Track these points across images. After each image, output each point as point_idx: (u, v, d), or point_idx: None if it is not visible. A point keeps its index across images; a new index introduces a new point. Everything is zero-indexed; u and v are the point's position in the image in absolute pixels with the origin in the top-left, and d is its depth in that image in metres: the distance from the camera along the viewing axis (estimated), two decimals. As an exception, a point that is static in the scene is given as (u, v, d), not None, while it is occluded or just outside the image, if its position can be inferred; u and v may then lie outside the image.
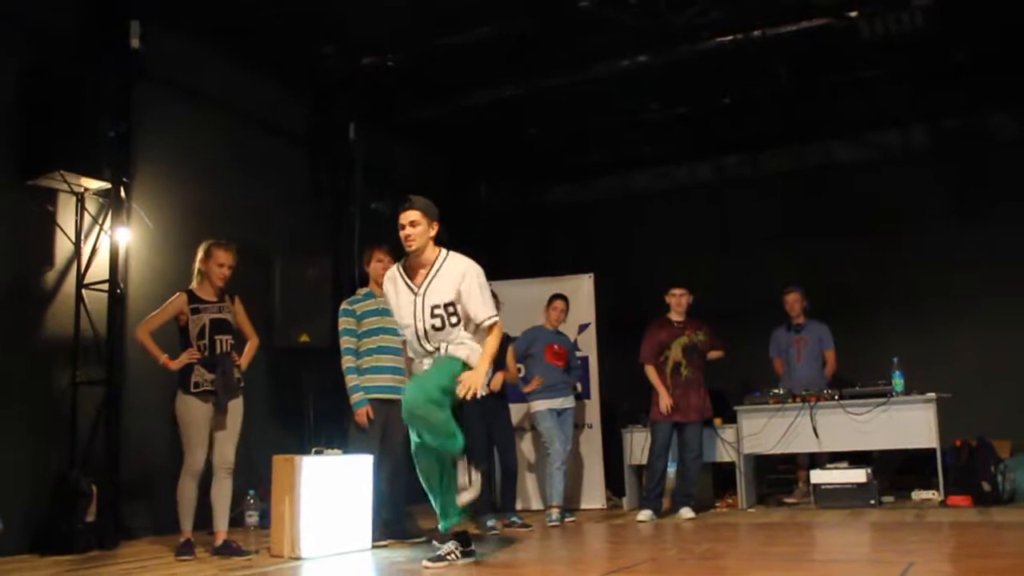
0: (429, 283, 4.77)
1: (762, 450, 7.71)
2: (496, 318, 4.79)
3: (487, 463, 6.90)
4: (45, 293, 6.09)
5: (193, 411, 5.32)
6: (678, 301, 7.33)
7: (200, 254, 5.54)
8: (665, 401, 7.12)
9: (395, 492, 6.06)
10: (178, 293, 5.51)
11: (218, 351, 5.43)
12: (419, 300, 4.76)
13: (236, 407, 5.47)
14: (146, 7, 6.45)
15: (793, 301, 8.23)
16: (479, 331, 4.80)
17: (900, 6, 7.11)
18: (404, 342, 5.00)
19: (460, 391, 4.60)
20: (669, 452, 7.26)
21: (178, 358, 5.36)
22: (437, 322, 4.73)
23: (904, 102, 9.06)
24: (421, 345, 4.81)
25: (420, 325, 4.76)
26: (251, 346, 5.71)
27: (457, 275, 4.73)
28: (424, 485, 4.83)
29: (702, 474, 7.66)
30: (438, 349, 4.77)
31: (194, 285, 5.55)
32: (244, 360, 5.60)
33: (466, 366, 4.70)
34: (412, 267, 4.83)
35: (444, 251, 4.84)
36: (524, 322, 7.56)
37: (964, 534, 5.54)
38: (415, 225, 4.73)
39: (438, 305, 4.72)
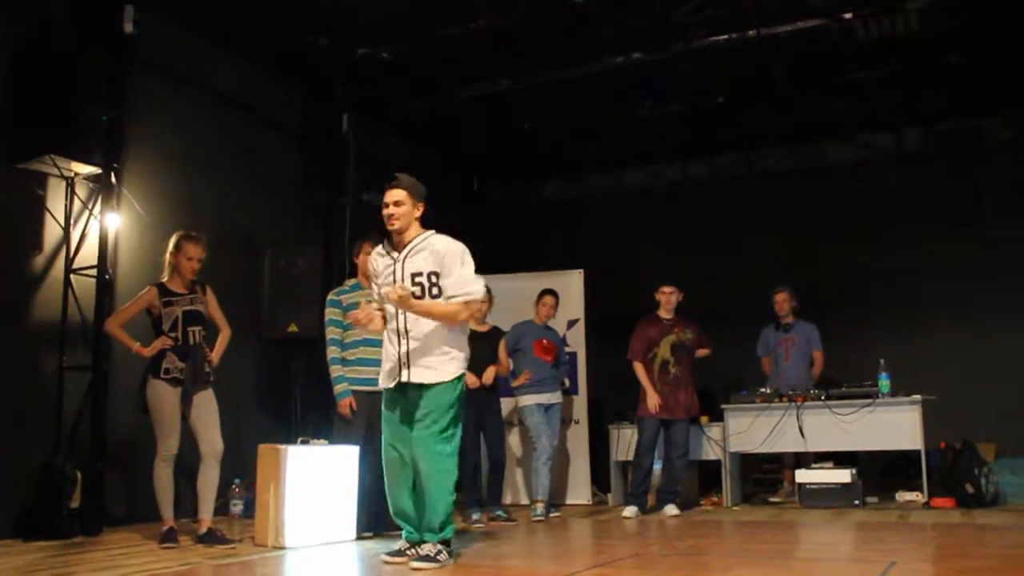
0: (410, 252, 4.61)
1: (748, 449, 7.73)
2: (469, 296, 4.56)
3: (475, 456, 6.90)
4: (33, 278, 6.07)
5: (162, 396, 5.29)
6: (667, 299, 7.35)
7: (170, 246, 5.51)
8: (653, 400, 7.14)
9: (380, 483, 6.05)
10: (148, 287, 5.48)
11: (191, 342, 5.41)
12: (398, 265, 4.61)
13: (207, 397, 5.42)
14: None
15: (782, 300, 8.25)
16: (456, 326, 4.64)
17: (895, 8, 7.14)
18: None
19: (392, 294, 4.41)
20: (655, 449, 7.29)
21: (151, 344, 5.34)
22: (416, 290, 4.53)
23: (897, 104, 9.09)
24: (395, 317, 4.61)
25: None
26: (223, 337, 5.67)
27: (441, 249, 4.58)
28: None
29: (687, 472, 7.70)
30: (406, 334, 4.57)
31: (165, 278, 5.51)
32: (216, 354, 5.56)
33: (453, 382, 4.58)
34: (395, 245, 4.68)
35: (431, 231, 4.69)
36: (514, 316, 7.56)
37: (946, 535, 5.57)
38: (399, 205, 4.60)
39: (419, 272, 4.57)
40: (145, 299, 5.44)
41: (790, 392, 7.65)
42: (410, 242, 4.65)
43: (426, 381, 4.56)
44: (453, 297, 4.55)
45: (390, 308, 4.64)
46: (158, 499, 5.31)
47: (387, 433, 4.73)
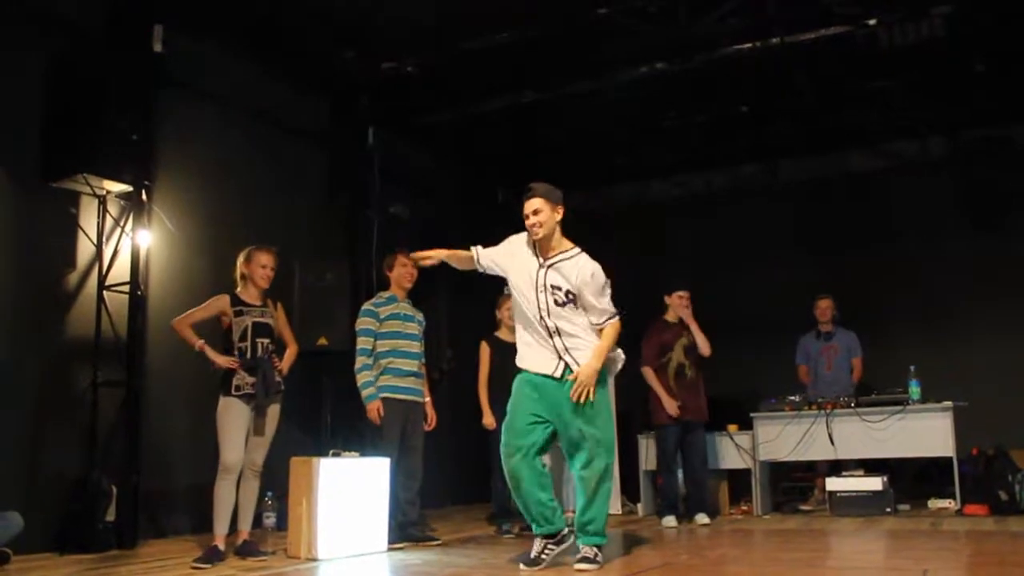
0: (557, 262, 4.74)
1: (777, 457, 7.70)
2: (614, 319, 4.79)
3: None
4: (67, 295, 6.17)
5: (233, 413, 5.29)
6: (684, 303, 7.34)
7: (241, 259, 5.53)
8: (671, 404, 7.13)
9: (411, 495, 6.09)
10: (220, 294, 5.50)
11: (258, 353, 5.42)
12: (543, 272, 4.73)
13: (274, 411, 5.45)
14: (169, 11, 6.53)
15: (825, 308, 8.27)
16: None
17: (919, 15, 7.12)
18: (516, 316, 4.95)
19: (572, 395, 4.63)
20: (679, 456, 7.29)
21: (219, 357, 5.34)
22: (558, 298, 4.69)
23: (922, 111, 9.05)
24: (541, 320, 4.73)
25: (541, 297, 4.71)
26: (291, 352, 5.71)
27: (586, 273, 4.69)
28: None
29: (714, 479, 7.69)
30: (558, 333, 4.71)
31: (238, 290, 5.55)
32: (285, 365, 5.59)
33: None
34: (541, 248, 4.79)
35: (577, 250, 4.81)
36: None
37: (980, 542, 5.53)
38: (538, 213, 4.69)
39: (558, 287, 4.70)
40: (216, 305, 5.46)
41: (819, 400, 7.63)
42: (555, 253, 4.76)
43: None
44: (599, 325, 4.78)
45: (525, 310, 4.81)
46: (215, 513, 5.26)
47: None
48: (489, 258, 4.96)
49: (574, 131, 9.50)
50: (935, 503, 7.56)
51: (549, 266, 4.74)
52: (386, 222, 8.37)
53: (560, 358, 4.73)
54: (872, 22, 7.11)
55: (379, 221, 8.26)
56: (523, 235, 4.87)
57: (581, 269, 4.72)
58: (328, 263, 7.48)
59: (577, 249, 4.82)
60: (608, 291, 4.81)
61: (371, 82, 8.09)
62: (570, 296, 4.71)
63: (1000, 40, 7.64)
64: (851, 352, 8.23)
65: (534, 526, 4.86)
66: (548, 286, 4.71)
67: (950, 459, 7.12)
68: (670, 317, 7.39)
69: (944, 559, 4.89)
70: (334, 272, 7.38)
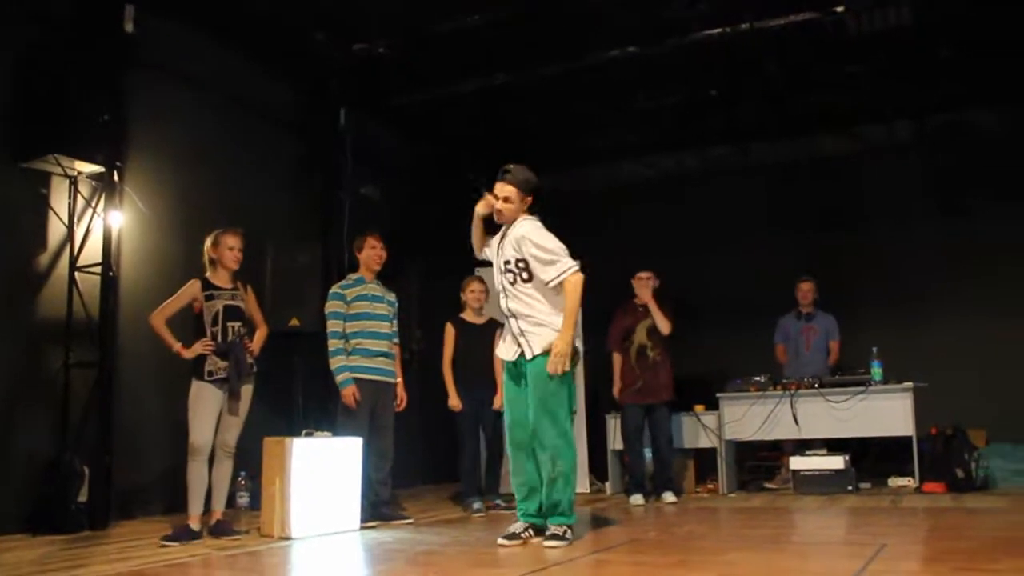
0: (502, 240, 4.88)
1: (743, 436, 7.85)
2: (565, 273, 4.70)
3: (475, 447, 7.00)
4: (38, 276, 6.16)
5: (206, 397, 5.32)
6: (645, 284, 7.44)
7: (208, 243, 5.55)
8: (616, 389, 7.45)
9: (383, 474, 6.16)
10: (192, 280, 5.50)
11: (230, 337, 5.45)
12: (498, 255, 4.91)
13: (247, 392, 5.50)
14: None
15: (807, 290, 8.41)
16: (557, 293, 4.79)
17: (886, 2, 7.22)
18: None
19: (550, 368, 4.68)
20: (644, 434, 7.41)
21: (191, 347, 5.36)
22: (509, 277, 4.82)
23: (889, 97, 9.16)
24: (502, 302, 4.91)
25: (500, 277, 4.89)
26: (260, 334, 5.74)
27: (524, 229, 4.78)
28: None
29: (680, 459, 7.82)
30: (514, 315, 4.83)
31: (208, 274, 5.56)
32: (256, 346, 5.63)
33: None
34: (503, 230, 4.95)
35: (525, 216, 4.89)
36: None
37: (936, 519, 5.68)
38: (508, 201, 4.82)
39: (509, 261, 4.81)
40: (189, 292, 5.47)
41: (784, 380, 7.78)
42: (508, 230, 4.88)
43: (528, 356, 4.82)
44: (551, 282, 4.72)
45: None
46: (189, 493, 5.30)
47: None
48: (486, 246, 5.12)
49: (546, 113, 9.52)
50: (895, 481, 7.73)
51: (499, 248, 4.90)
52: (357, 203, 8.39)
53: (517, 343, 4.85)
54: (840, 9, 7.20)
55: (350, 202, 8.27)
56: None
57: (520, 229, 4.81)
58: (300, 244, 7.50)
59: (522, 217, 4.89)
60: (556, 247, 4.74)
61: (343, 64, 8.07)
62: (521, 266, 4.78)
63: (965, 27, 7.74)
64: (829, 335, 8.38)
65: (521, 509, 4.98)
66: (503, 264, 4.85)
67: (910, 438, 7.29)
68: (637, 300, 7.50)
69: (902, 534, 5.03)
70: (306, 253, 7.42)
